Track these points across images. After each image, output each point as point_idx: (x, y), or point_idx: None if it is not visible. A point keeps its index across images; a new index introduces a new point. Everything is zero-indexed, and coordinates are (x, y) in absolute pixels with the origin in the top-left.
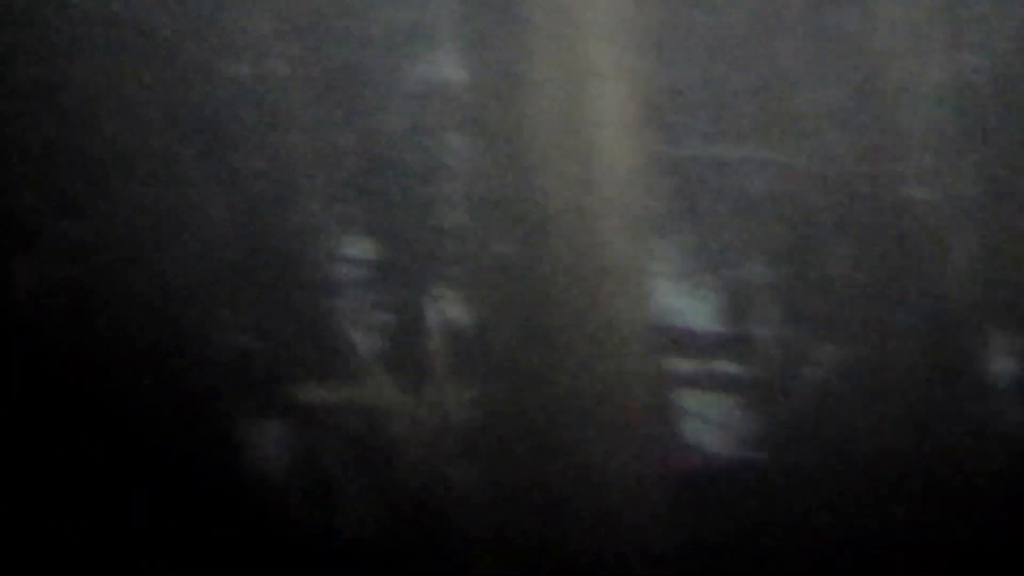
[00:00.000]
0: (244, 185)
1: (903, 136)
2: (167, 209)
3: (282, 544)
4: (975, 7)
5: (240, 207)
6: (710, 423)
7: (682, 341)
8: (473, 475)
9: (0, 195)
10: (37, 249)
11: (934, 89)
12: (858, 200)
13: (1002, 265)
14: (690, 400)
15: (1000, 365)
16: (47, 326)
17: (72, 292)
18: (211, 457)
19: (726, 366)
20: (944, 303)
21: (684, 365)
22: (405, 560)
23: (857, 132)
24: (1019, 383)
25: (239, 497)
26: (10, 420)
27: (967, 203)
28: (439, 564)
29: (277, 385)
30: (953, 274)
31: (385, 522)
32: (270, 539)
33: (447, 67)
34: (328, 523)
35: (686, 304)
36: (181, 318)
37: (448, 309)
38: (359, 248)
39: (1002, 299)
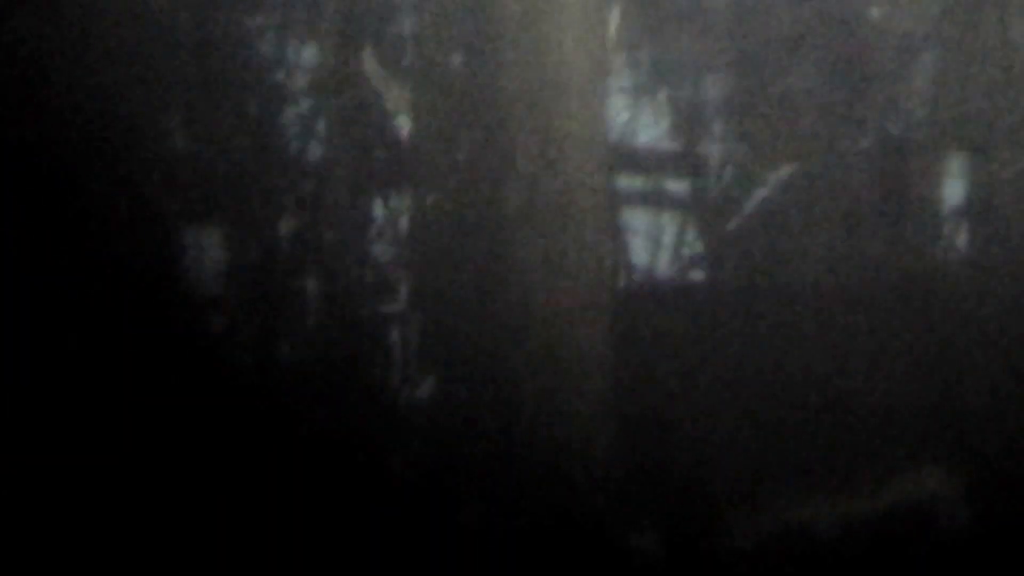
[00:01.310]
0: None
1: None
2: None
3: None
4: None
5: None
6: (657, 242)
7: (631, 158)
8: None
9: None
10: None
11: None
12: (818, 21)
13: (960, 90)
14: (636, 218)
15: (950, 191)
16: None
17: None
18: None
19: (675, 184)
20: (899, 127)
21: (633, 182)
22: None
23: None
24: (966, 210)
25: None
26: None
27: (927, 28)
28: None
29: None
30: (910, 99)
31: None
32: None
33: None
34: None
35: (639, 120)
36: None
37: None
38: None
39: (957, 124)
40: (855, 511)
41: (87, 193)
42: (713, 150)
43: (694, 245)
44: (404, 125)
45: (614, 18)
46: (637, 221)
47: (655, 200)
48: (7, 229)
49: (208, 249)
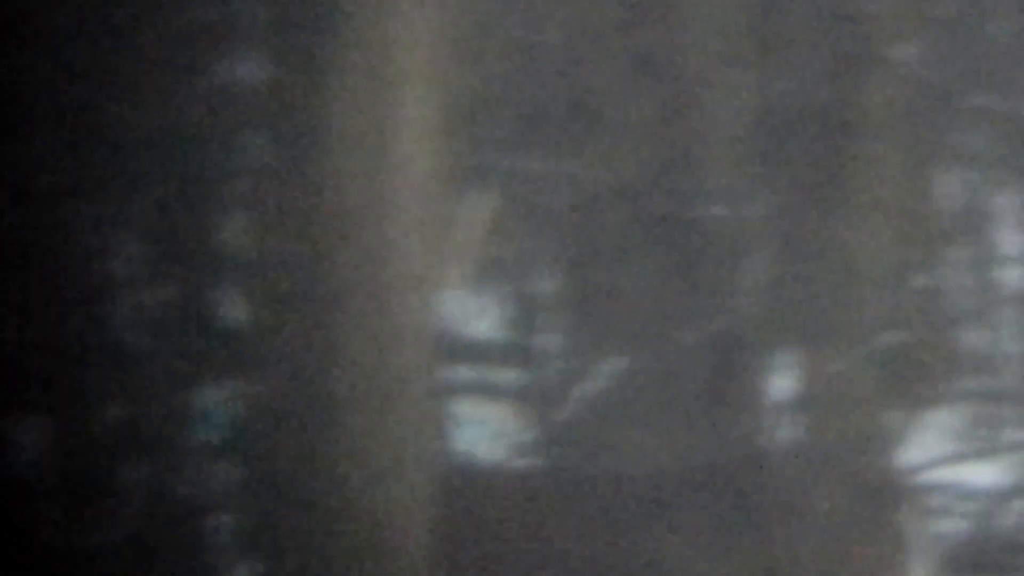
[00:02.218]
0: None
1: (701, 154)
2: None
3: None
4: (783, 33)
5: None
6: (486, 430)
7: (463, 349)
8: (237, 473)
9: None
10: None
11: (737, 111)
12: (652, 215)
13: (791, 285)
14: (467, 408)
15: (779, 383)
16: None
17: None
18: None
19: (506, 374)
20: (730, 321)
21: (463, 373)
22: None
23: (656, 148)
24: (793, 401)
25: None
26: None
27: (760, 223)
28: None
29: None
30: (741, 293)
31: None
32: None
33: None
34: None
35: (471, 312)
36: None
37: (228, 306)
38: (135, 246)
39: (789, 318)
40: None
41: None
42: (546, 342)
43: (524, 434)
44: (234, 312)
45: (450, 212)
46: (467, 410)
47: (486, 389)
48: None
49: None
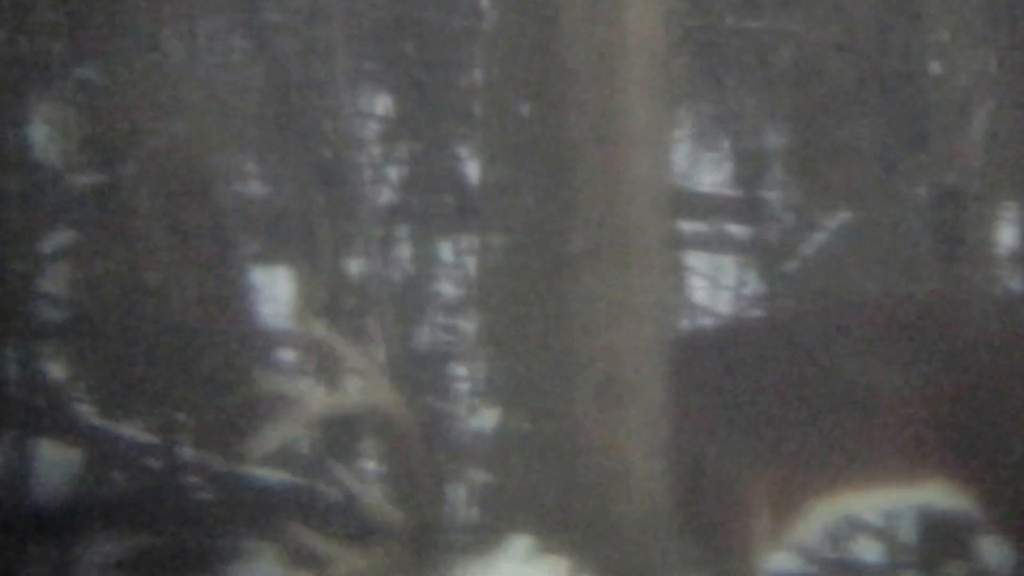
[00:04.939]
0: (264, 35)
1: (925, 9)
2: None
3: None
4: None
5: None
6: (717, 284)
7: (694, 203)
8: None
9: None
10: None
11: None
12: (876, 70)
13: (1016, 138)
14: (697, 261)
15: (1004, 235)
16: None
17: None
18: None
19: (735, 229)
20: (955, 174)
21: (695, 227)
22: None
23: (880, 3)
24: (1018, 253)
25: None
26: None
27: (983, 77)
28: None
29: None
30: (966, 146)
31: None
32: None
33: None
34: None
35: (701, 168)
36: (196, 164)
37: (466, 163)
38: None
39: (1013, 171)
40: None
41: None
42: (773, 196)
43: (751, 287)
44: (472, 170)
45: (679, 67)
46: (697, 263)
47: (716, 243)
48: None
49: (278, 287)
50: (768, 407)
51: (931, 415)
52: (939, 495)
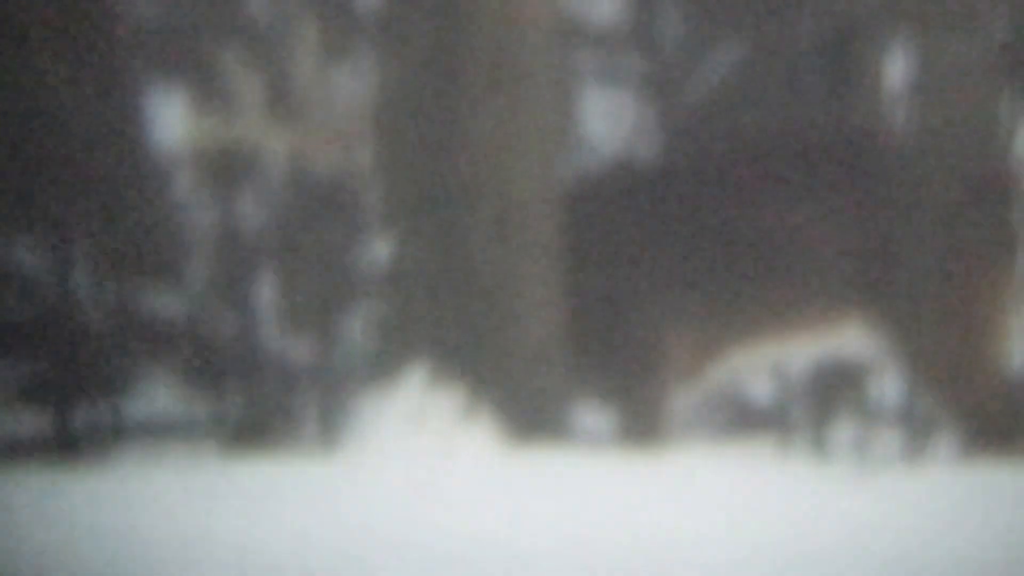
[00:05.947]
0: None
1: None
2: None
3: None
4: None
5: None
6: (608, 117)
7: (587, 34)
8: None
9: None
10: None
11: None
12: None
13: None
14: (590, 93)
15: (896, 69)
16: None
17: None
18: None
19: (628, 61)
20: (848, 6)
21: (587, 59)
22: None
23: None
24: (909, 88)
25: None
26: None
27: None
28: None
29: None
30: None
31: None
32: None
33: None
34: None
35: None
36: None
37: None
38: None
39: (907, 4)
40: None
41: None
42: (666, 29)
43: (645, 119)
44: None
45: None
46: (590, 95)
47: (609, 76)
48: None
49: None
50: (672, 250)
51: (843, 253)
52: (854, 340)
